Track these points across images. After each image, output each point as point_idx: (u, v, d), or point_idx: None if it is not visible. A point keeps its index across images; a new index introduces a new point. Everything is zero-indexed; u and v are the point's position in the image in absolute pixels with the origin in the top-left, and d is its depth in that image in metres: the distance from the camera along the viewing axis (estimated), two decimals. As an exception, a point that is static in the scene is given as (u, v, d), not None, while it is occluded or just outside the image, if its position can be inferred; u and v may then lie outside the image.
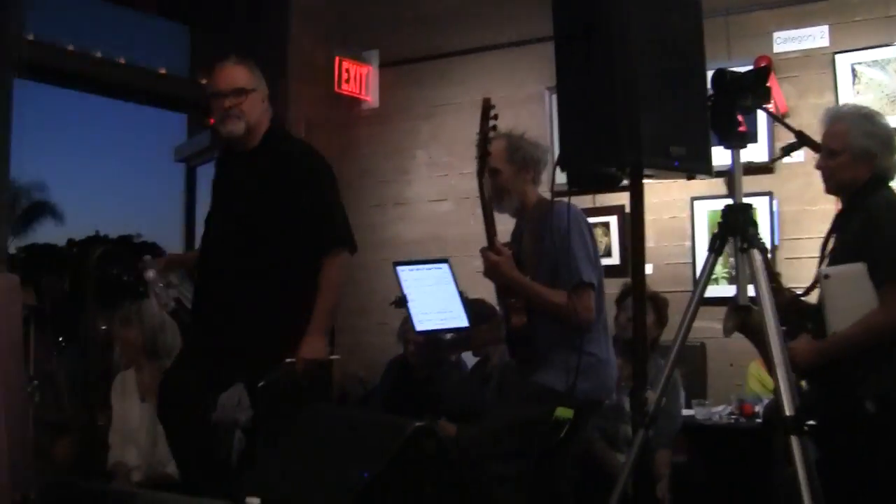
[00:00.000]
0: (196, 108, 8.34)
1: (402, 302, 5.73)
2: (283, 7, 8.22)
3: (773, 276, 4.06)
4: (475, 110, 7.47)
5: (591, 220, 6.77)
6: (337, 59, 8.01)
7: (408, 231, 7.96)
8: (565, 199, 4.13)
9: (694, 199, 6.72)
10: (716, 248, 3.47)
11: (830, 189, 4.17)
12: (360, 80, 8.18)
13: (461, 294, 5.48)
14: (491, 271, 4.28)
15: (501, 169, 4.42)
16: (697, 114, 3.40)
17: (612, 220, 7.05)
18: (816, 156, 4.08)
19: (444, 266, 5.76)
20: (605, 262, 5.38)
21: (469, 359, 6.67)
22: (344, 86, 8.06)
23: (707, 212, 6.71)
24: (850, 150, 3.98)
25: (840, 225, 4.10)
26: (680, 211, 6.80)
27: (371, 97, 8.23)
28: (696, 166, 3.43)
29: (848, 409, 3.74)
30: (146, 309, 5.40)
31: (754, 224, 3.39)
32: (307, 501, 3.12)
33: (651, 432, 3.45)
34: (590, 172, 3.67)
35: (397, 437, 2.93)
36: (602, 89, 3.29)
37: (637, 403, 3.38)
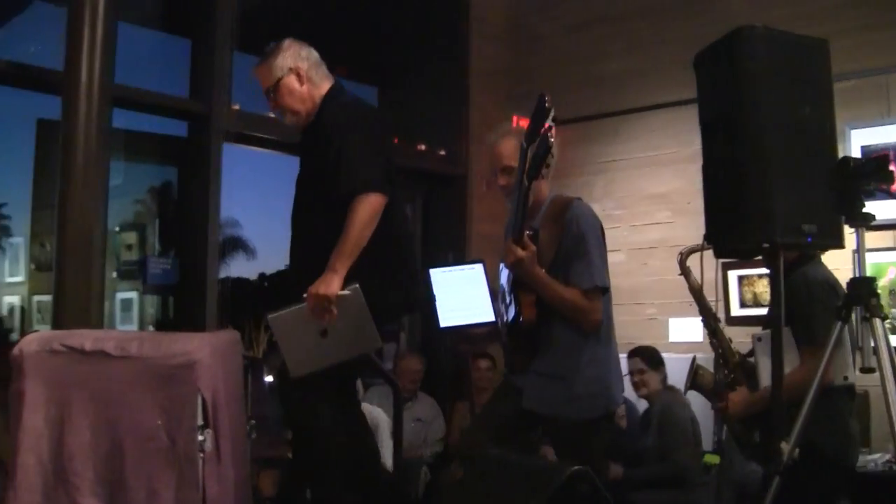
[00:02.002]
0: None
1: (431, 301, 6.06)
2: (464, 71, 8.72)
3: (722, 339, 4.72)
4: (645, 166, 7.93)
5: (752, 271, 7.13)
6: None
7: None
8: (582, 201, 4.41)
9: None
10: (842, 317, 3.75)
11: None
12: (536, 137, 8.53)
13: (492, 292, 5.65)
14: (515, 264, 4.19)
15: (517, 167, 4.33)
16: (828, 193, 3.68)
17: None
18: None
19: (478, 266, 6.06)
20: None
21: (641, 404, 7.02)
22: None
23: (870, 265, 6.78)
24: None
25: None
26: (843, 263, 6.95)
27: (547, 153, 8.57)
28: (828, 242, 3.73)
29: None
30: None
31: (876, 295, 3.70)
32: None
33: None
34: (733, 245, 3.88)
35: (556, 480, 3.37)
36: (740, 173, 3.63)
37: (771, 452, 3.61)
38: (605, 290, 4.31)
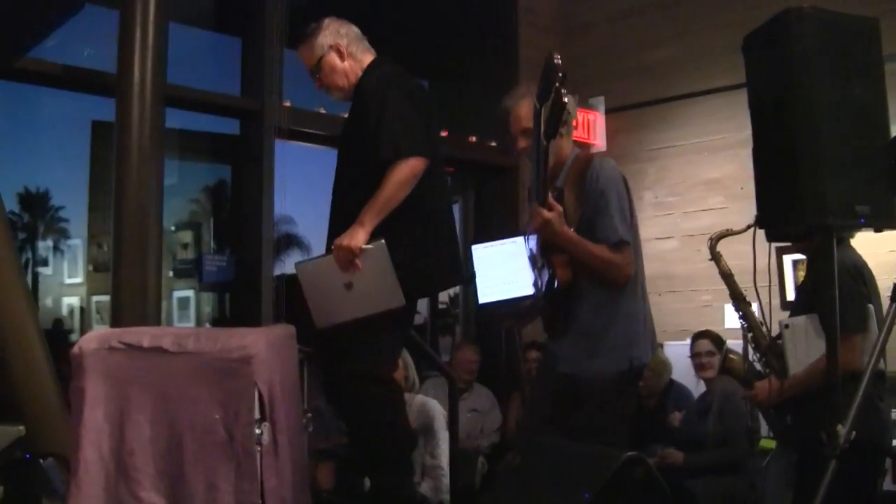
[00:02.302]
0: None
1: (472, 278, 6.05)
2: (513, 62, 8.73)
3: (753, 323, 4.87)
4: (697, 152, 7.89)
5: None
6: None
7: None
8: (606, 157, 4.31)
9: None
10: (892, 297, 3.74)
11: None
12: (588, 126, 8.55)
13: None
14: (543, 227, 4.13)
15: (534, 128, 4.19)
16: (882, 172, 3.64)
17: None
18: None
19: (520, 240, 6.03)
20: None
21: (696, 389, 7.00)
22: (573, 132, 8.38)
23: (930, 244, 6.74)
24: None
25: (806, 279, 4.77)
26: (898, 244, 6.89)
27: (599, 142, 8.59)
28: (882, 222, 3.67)
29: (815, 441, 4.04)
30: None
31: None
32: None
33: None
34: (785, 228, 3.86)
35: (611, 465, 3.36)
36: (791, 155, 3.61)
37: (830, 436, 3.55)
38: (628, 244, 4.25)
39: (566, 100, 3.92)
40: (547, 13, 9.08)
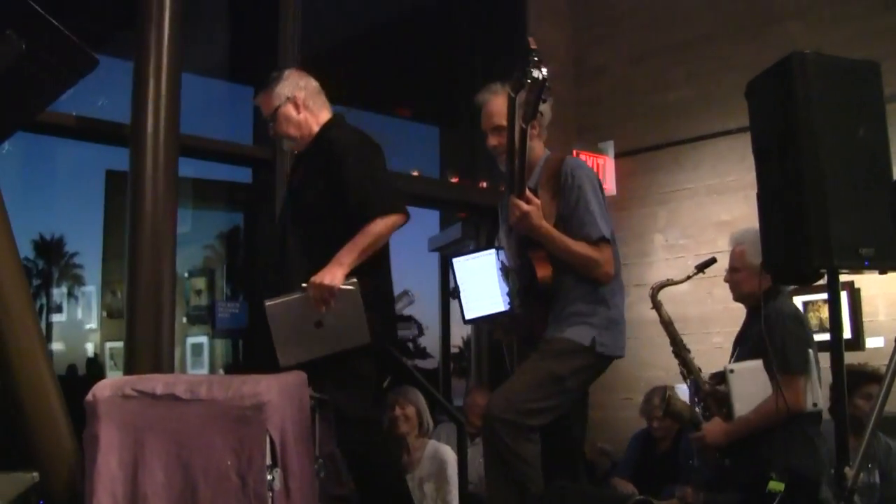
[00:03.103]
0: (447, 204, 8.96)
1: (455, 293, 6.05)
2: (525, 107, 8.78)
3: (692, 370, 5.04)
4: (709, 194, 7.91)
5: (817, 296, 7.07)
6: (574, 151, 8.41)
7: (649, 311, 8.15)
8: (575, 157, 4.22)
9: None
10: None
11: (735, 298, 5.15)
12: (598, 169, 8.49)
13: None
14: (520, 220, 4.09)
15: (506, 125, 4.19)
16: (885, 215, 3.69)
17: (843, 296, 7.21)
18: None
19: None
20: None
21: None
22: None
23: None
24: (747, 268, 4.93)
25: (747, 327, 5.01)
26: (903, 285, 6.89)
27: (609, 185, 8.54)
28: (888, 264, 3.72)
29: (758, 480, 4.44)
30: (413, 390, 6.07)
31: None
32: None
33: None
34: (791, 271, 3.90)
35: (620, 508, 3.41)
36: (796, 198, 3.65)
37: (837, 478, 3.53)
38: (609, 242, 4.25)
39: (544, 76, 3.84)
40: (560, 57, 9.11)
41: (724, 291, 7.62)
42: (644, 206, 8.37)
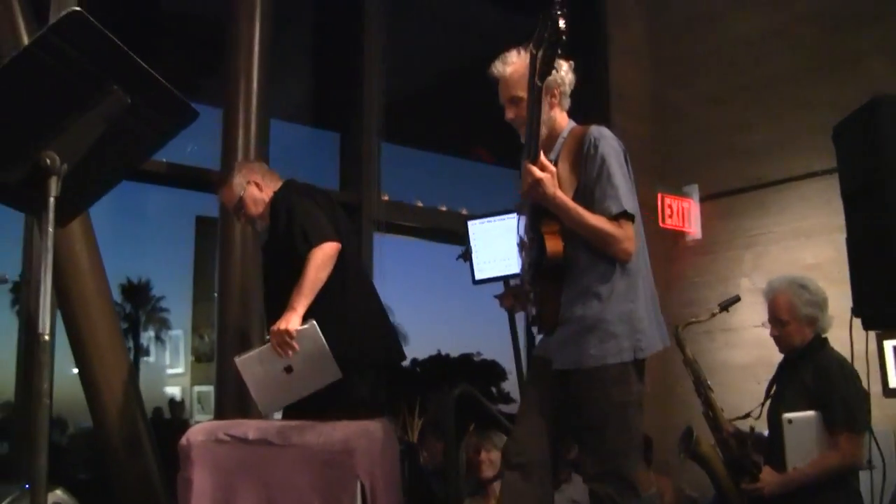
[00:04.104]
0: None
1: (467, 254, 5.95)
2: (608, 150, 8.78)
3: (715, 410, 4.97)
4: (794, 238, 7.82)
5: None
6: (659, 195, 8.38)
7: (735, 356, 8.13)
8: (602, 127, 3.89)
9: None
10: None
11: (783, 351, 4.92)
12: (683, 213, 8.50)
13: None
14: (533, 187, 3.72)
15: (524, 96, 3.86)
16: None
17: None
18: None
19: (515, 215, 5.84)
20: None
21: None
22: (668, 220, 8.38)
23: None
24: (796, 319, 4.77)
25: (787, 374, 4.85)
26: None
27: (694, 229, 8.53)
28: None
29: None
30: (499, 435, 6.06)
31: None
32: None
33: None
34: (883, 315, 3.84)
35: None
36: (885, 241, 3.62)
37: None
38: (633, 219, 3.77)
39: (562, 26, 3.60)
40: (639, 98, 9.11)
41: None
42: (729, 249, 8.29)
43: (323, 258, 4.52)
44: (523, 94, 3.85)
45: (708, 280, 8.34)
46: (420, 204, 7.57)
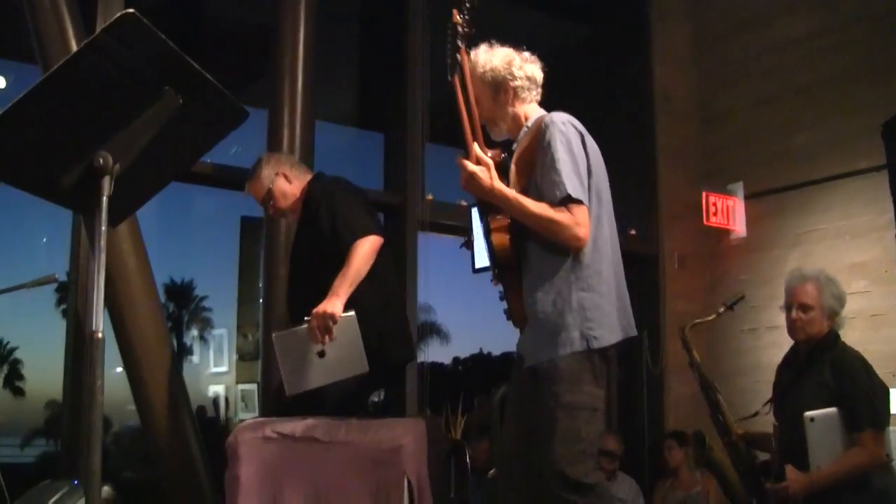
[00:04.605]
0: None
1: (469, 243, 5.94)
2: (651, 151, 8.75)
3: (723, 412, 4.98)
4: (839, 237, 7.77)
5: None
6: (704, 193, 8.36)
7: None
8: (562, 112, 3.78)
9: None
10: None
11: (800, 337, 4.81)
12: (728, 212, 8.46)
13: None
14: (468, 182, 3.68)
15: (479, 95, 3.88)
16: None
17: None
18: None
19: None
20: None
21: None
22: (712, 218, 8.34)
23: None
24: (820, 308, 4.72)
25: (799, 371, 4.80)
26: None
27: (739, 228, 8.49)
28: None
29: None
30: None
31: None
32: None
33: None
34: None
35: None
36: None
37: None
38: (579, 203, 3.60)
39: (457, 19, 3.70)
40: (684, 101, 9.09)
41: (858, 334, 7.48)
42: (774, 248, 8.25)
43: (368, 249, 4.54)
44: (479, 93, 3.88)
45: (752, 278, 8.29)
46: (464, 203, 7.58)
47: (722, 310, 5.34)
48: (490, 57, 3.91)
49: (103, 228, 2.54)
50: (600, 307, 3.64)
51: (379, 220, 4.95)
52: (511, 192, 3.65)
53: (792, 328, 4.83)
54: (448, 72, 3.75)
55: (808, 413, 4.54)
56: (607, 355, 3.67)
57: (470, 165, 3.66)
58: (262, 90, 6.13)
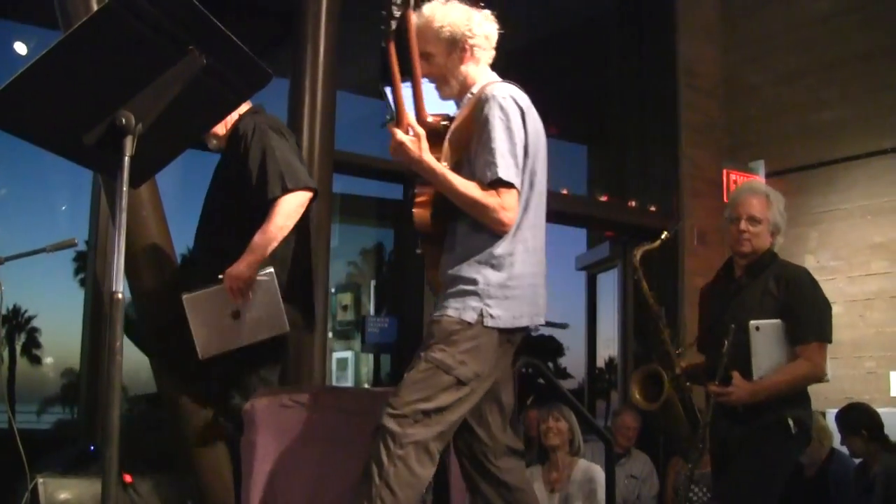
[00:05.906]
0: (595, 222, 8.93)
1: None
2: (674, 126, 8.71)
3: (668, 346, 4.95)
4: (861, 216, 7.74)
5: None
6: (725, 171, 8.34)
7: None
8: (507, 84, 3.68)
9: None
10: None
11: (745, 250, 4.69)
12: (749, 190, 8.44)
13: None
14: (396, 151, 3.53)
15: (432, 52, 3.73)
16: None
17: None
18: None
19: None
20: None
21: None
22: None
23: None
24: (768, 222, 4.66)
25: (738, 282, 4.72)
26: None
27: (760, 206, 8.47)
28: None
29: (773, 424, 4.43)
30: (566, 409, 6.06)
31: None
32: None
33: None
34: None
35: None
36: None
37: None
38: (510, 186, 3.47)
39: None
40: (708, 76, 9.05)
41: (878, 314, 7.52)
42: (795, 226, 8.19)
43: (294, 206, 4.32)
44: (433, 49, 3.72)
45: (772, 256, 8.25)
46: (485, 175, 7.56)
47: (664, 235, 5.26)
48: (448, 11, 3.75)
49: (125, 189, 2.53)
50: (507, 288, 3.54)
51: (308, 174, 4.59)
52: (439, 167, 3.52)
53: (738, 240, 4.69)
54: (382, 38, 3.60)
55: (754, 322, 4.49)
56: (511, 340, 3.62)
57: (399, 134, 3.52)
58: (286, 59, 6.10)
